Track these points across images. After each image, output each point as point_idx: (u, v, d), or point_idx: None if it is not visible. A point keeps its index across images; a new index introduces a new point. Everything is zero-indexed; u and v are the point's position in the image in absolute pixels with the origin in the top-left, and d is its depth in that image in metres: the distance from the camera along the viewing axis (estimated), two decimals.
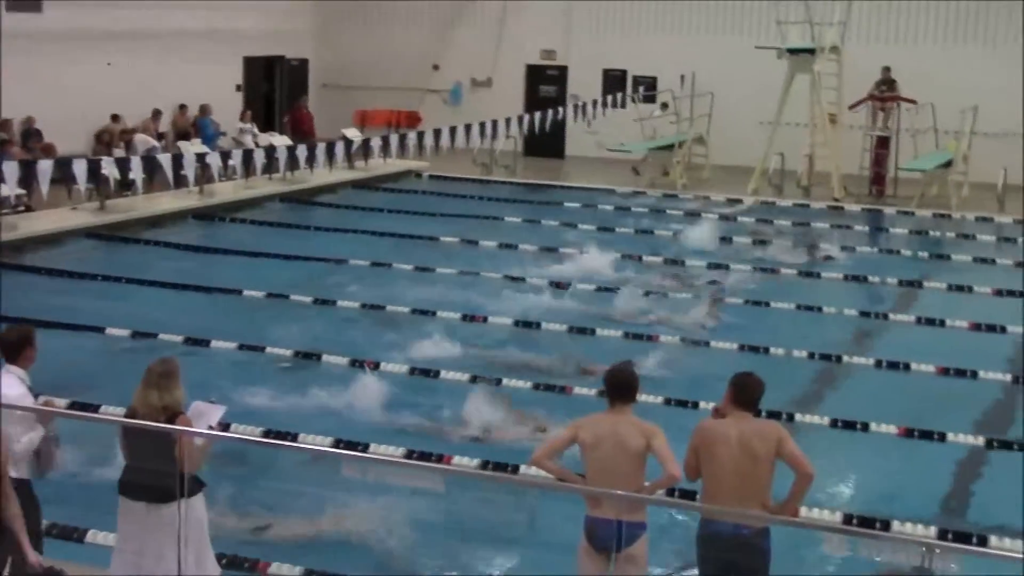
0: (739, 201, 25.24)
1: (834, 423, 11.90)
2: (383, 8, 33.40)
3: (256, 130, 27.90)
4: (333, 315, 15.97)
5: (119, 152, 22.95)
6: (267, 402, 12.17)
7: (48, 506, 7.98)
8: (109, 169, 19.50)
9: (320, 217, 22.83)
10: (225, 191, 23.65)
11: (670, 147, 27.50)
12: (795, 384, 13.08)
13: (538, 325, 15.34)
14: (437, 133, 23.06)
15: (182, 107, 27.64)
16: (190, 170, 20.67)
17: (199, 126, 27.40)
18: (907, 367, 13.90)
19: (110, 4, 25.08)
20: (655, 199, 25.48)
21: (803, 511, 8.26)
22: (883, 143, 26.72)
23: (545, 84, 32.53)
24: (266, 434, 10.80)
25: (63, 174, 18.84)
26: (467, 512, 9.29)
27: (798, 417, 11.68)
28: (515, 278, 17.82)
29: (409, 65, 33.10)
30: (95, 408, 10.87)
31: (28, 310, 14.15)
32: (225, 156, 22.16)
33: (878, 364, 14.04)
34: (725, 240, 21.04)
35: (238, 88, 30.82)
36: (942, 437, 11.65)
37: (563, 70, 32.35)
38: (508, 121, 24.47)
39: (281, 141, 24.34)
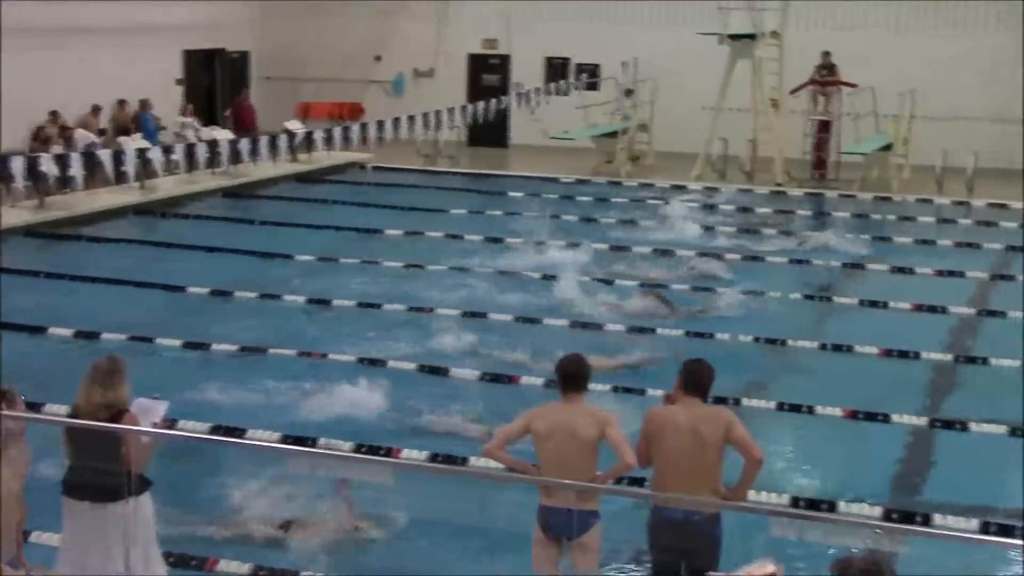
0: (683, 187, 25.33)
1: (780, 407, 11.99)
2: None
3: (198, 124, 27.66)
4: (279, 310, 15.88)
5: (58, 149, 22.67)
6: (214, 398, 12.09)
7: None
8: (47, 166, 19.23)
9: (264, 211, 22.68)
10: (167, 186, 23.45)
11: (614, 134, 27.56)
12: (741, 369, 13.15)
13: (484, 315, 15.34)
14: (380, 124, 22.92)
15: (121, 102, 27.36)
16: (131, 166, 20.43)
17: (139, 121, 27.13)
18: (851, 349, 14.03)
19: None
20: (600, 187, 25.53)
21: (751, 495, 8.32)
22: (824, 127, 26.94)
23: (488, 73, 32.53)
24: (214, 430, 10.73)
25: (0, 172, 18.57)
26: (420, 503, 9.31)
27: (744, 402, 11.75)
28: (461, 269, 17.80)
29: (351, 56, 32.97)
30: (38, 407, 10.75)
31: None
32: (167, 151, 21.92)
33: (822, 347, 14.15)
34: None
35: (178, 82, 30.54)
36: (886, 418, 11.76)
37: (505, 59, 32.35)
38: (451, 111, 24.38)
39: (223, 135, 24.15)
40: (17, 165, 18.35)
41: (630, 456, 7.31)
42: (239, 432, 10.78)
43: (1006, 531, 9.14)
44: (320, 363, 13.31)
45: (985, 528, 9.20)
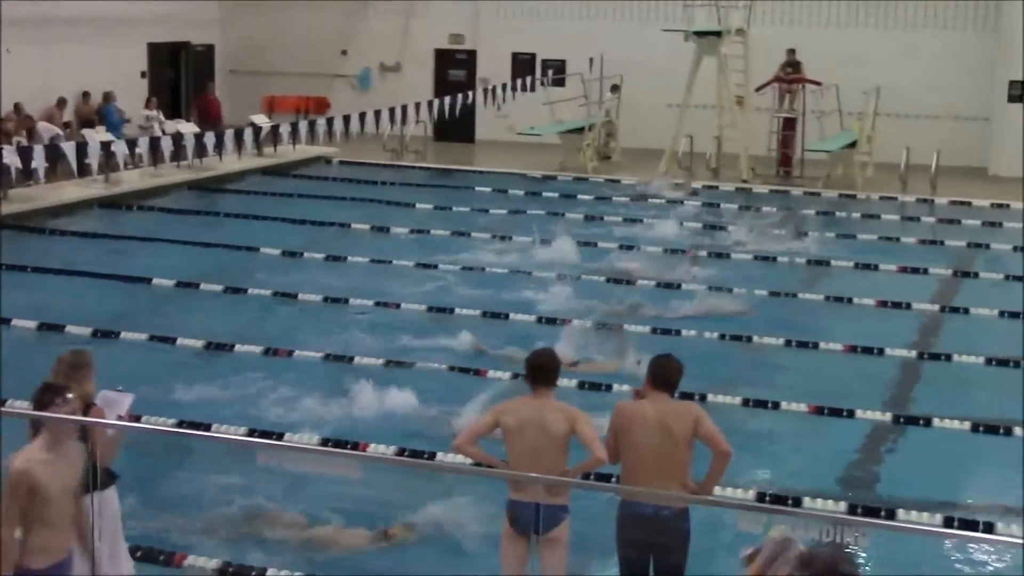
0: (649, 183, 25.37)
1: (746, 402, 12.06)
2: None
3: (162, 117, 27.52)
4: (244, 304, 15.83)
5: (20, 141, 22.51)
6: (179, 392, 12.05)
7: None
8: (10, 158, 19.11)
9: (229, 205, 22.58)
10: (131, 179, 23.31)
11: (580, 130, 27.60)
12: (707, 365, 13.20)
13: (451, 310, 15.34)
14: (346, 119, 22.92)
15: (85, 95, 27.19)
16: (95, 159, 20.35)
17: (103, 114, 26.96)
18: (815, 346, 14.11)
19: None
20: (566, 183, 25.56)
21: (717, 490, 8.36)
22: (789, 124, 27.07)
23: (454, 69, 32.49)
24: (179, 425, 10.70)
25: None
26: (387, 497, 9.32)
27: (710, 397, 11.80)
28: (427, 264, 17.79)
29: (317, 51, 32.87)
30: (2, 402, 10.67)
31: None
32: (131, 144, 21.83)
33: (787, 343, 14.22)
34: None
35: (143, 75, 30.36)
36: (851, 414, 11.85)
37: (472, 54, 32.32)
38: (418, 106, 24.40)
39: (188, 128, 24.05)
40: None
41: (601, 451, 7.33)
42: (205, 426, 10.74)
43: (969, 526, 9.21)
44: (286, 359, 13.27)
45: (948, 523, 9.27)
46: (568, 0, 30.95)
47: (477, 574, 8.32)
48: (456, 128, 29.53)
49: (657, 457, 7.37)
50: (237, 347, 13.60)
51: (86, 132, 23.20)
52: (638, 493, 7.39)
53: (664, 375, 7.61)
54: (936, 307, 15.99)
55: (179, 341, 13.77)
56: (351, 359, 13.25)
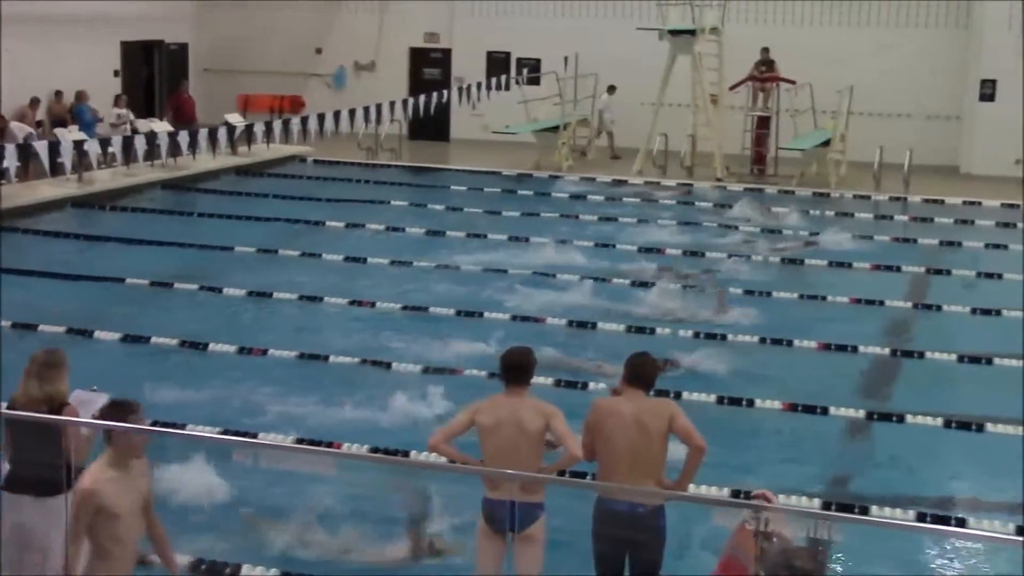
0: (624, 182, 25.45)
1: (720, 400, 12.09)
2: None
3: (132, 115, 27.39)
4: (219, 303, 15.79)
5: None
6: (153, 391, 11.99)
7: None
8: None
9: (204, 204, 22.52)
10: (105, 179, 23.21)
11: (555, 129, 27.62)
12: (682, 363, 13.25)
13: (426, 309, 15.34)
14: (321, 117, 22.89)
15: (58, 94, 27.06)
16: (67, 158, 20.26)
17: (76, 113, 26.84)
18: (790, 343, 14.16)
19: None
20: (542, 181, 25.58)
21: (691, 487, 8.39)
22: (763, 123, 27.17)
23: (429, 67, 32.49)
24: (153, 424, 10.65)
25: None
26: (364, 496, 9.32)
27: (685, 395, 11.83)
28: (402, 262, 17.78)
29: (292, 49, 32.82)
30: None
31: None
32: (104, 143, 21.73)
33: (762, 341, 14.27)
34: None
35: (116, 74, 30.24)
36: (824, 411, 11.90)
37: (447, 53, 32.31)
38: (392, 105, 24.38)
39: (162, 127, 23.97)
40: None
41: (576, 448, 7.34)
42: (179, 425, 10.72)
43: (941, 522, 9.27)
44: (260, 358, 13.25)
45: (922, 519, 9.33)
46: None
47: None
48: (431, 127, 29.54)
49: (633, 453, 7.39)
50: (212, 346, 13.57)
51: (59, 131, 23.10)
52: (614, 490, 7.41)
53: (639, 372, 7.64)
54: (909, 304, 16.07)
55: (153, 340, 13.72)
56: (326, 358, 13.23)
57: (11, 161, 19.27)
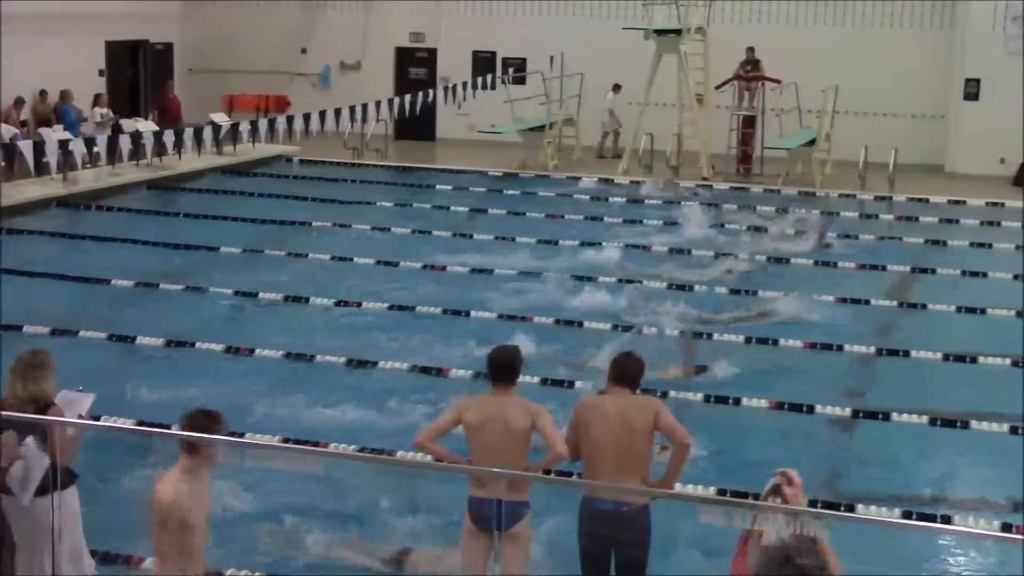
0: (610, 181, 25.47)
1: (707, 398, 12.12)
2: None
3: (112, 114, 27.30)
4: (205, 303, 15.77)
5: None
6: (139, 391, 11.99)
7: None
8: None
9: (189, 204, 22.47)
10: (90, 179, 23.14)
11: (541, 128, 27.63)
12: (669, 361, 13.27)
13: (412, 309, 15.33)
14: (307, 117, 22.85)
15: (43, 93, 26.98)
16: (53, 157, 20.20)
17: (61, 113, 26.76)
18: (776, 342, 14.19)
19: None
20: (527, 181, 25.59)
21: (677, 486, 8.40)
22: (749, 122, 27.21)
23: (415, 67, 32.47)
24: (140, 424, 10.63)
25: None
26: (350, 495, 9.31)
27: (672, 394, 11.84)
28: (388, 262, 17.77)
29: (277, 49, 32.76)
30: None
31: None
32: (89, 143, 21.67)
33: (748, 340, 14.30)
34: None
35: (101, 73, 30.15)
36: (811, 409, 11.93)
37: (432, 52, 32.29)
38: (378, 104, 24.35)
39: (147, 127, 23.90)
40: None
41: (562, 447, 7.36)
42: (165, 425, 10.68)
43: (927, 520, 9.30)
44: (247, 357, 13.24)
45: (907, 516, 9.36)
46: None
47: None
48: (417, 126, 29.52)
49: (618, 450, 7.41)
50: (198, 345, 13.55)
51: (43, 131, 23.03)
52: (600, 488, 7.42)
53: (622, 372, 7.68)
54: (894, 303, 16.11)
55: (139, 340, 13.70)
56: (312, 357, 13.23)
57: None
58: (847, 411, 11.96)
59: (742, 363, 13.54)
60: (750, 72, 27.44)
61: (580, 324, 14.75)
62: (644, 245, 19.21)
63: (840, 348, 13.99)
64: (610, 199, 23.60)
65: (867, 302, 16.05)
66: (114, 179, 23.36)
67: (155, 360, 13.26)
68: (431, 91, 25.96)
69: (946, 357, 13.67)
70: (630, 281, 16.86)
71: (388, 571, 8.81)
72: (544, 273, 17.17)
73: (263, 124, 22.86)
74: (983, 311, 15.58)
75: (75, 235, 19.35)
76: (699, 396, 12.14)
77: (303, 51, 33.10)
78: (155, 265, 17.27)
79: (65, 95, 26.96)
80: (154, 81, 31.60)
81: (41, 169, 20.98)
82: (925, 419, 11.70)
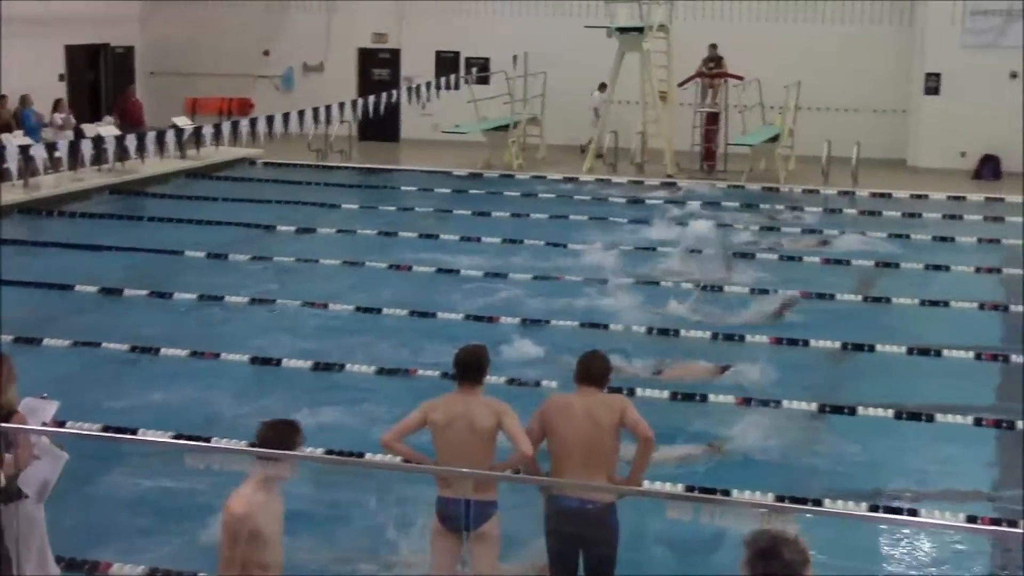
0: (575, 179, 25.50)
1: (674, 396, 12.14)
2: None
3: (73, 119, 27.10)
4: (170, 307, 15.68)
5: None
6: (104, 398, 11.92)
7: None
8: None
9: (153, 208, 22.36)
10: (51, 184, 22.97)
11: (505, 128, 27.63)
12: (636, 358, 13.29)
13: (379, 310, 15.31)
14: (270, 119, 22.76)
15: (2, 98, 26.74)
16: (13, 163, 20.04)
17: (21, 118, 26.54)
18: (742, 339, 14.25)
19: None
20: (492, 181, 25.58)
21: (645, 484, 8.42)
22: (712, 119, 27.30)
23: (378, 68, 32.42)
24: (105, 430, 10.57)
25: None
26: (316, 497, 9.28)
27: (639, 391, 11.87)
28: (354, 263, 17.74)
29: (239, 51, 32.62)
30: None
31: None
32: (51, 148, 21.51)
33: (714, 336, 14.35)
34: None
35: (61, 78, 29.95)
36: (777, 404, 11.98)
37: (396, 53, 32.25)
38: (342, 106, 24.29)
39: (109, 131, 23.75)
40: None
41: (526, 446, 7.36)
42: (131, 431, 10.62)
43: (893, 512, 9.35)
44: (213, 362, 13.19)
45: (874, 509, 9.41)
46: None
47: None
48: (381, 127, 29.49)
49: (585, 446, 7.43)
50: (163, 350, 13.48)
51: (3, 136, 22.83)
52: (567, 486, 7.43)
53: (587, 371, 7.70)
54: (859, 298, 16.18)
55: (104, 346, 13.61)
56: (279, 361, 13.18)
57: None
58: (813, 406, 12.00)
59: (709, 359, 13.59)
60: (713, 69, 27.53)
61: (547, 323, 14.75)
62: (613, 244, 19.23)
63: (806, 343, 14.06)
64: (575, 197, 23.63)
65: (832, 297, 16.13)
66: (76, 184, 23.18)
67: (120, 366, 13.18)
68: (395, 92, 25.92)
69: (910, 351, 13.76)
70: (599, 280, 16.88)
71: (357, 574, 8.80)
72: (510, 273, 17.15)
73: (226, 127, 22.75)
74: (946, 304, 15.69)
75: (37, 242, 19.19)
76: (665, 394, 12.16)
77: (266, 53, 32.99)
78: (119, 270, 17.17)
79: (25, 100, 26.73)
80: (115, 85, 31.41)
81: (1, 175, 20.82)
82: (891, 412, 11.77)
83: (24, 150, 20.51)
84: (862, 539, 8.85)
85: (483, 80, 29.49)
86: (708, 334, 14.42)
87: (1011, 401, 12.37)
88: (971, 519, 9.31)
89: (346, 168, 26.97)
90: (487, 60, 30.65)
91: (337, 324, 14.86)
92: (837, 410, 11.91)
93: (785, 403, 11.98)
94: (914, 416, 11.68)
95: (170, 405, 11.89)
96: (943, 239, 19.83)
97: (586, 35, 27.34)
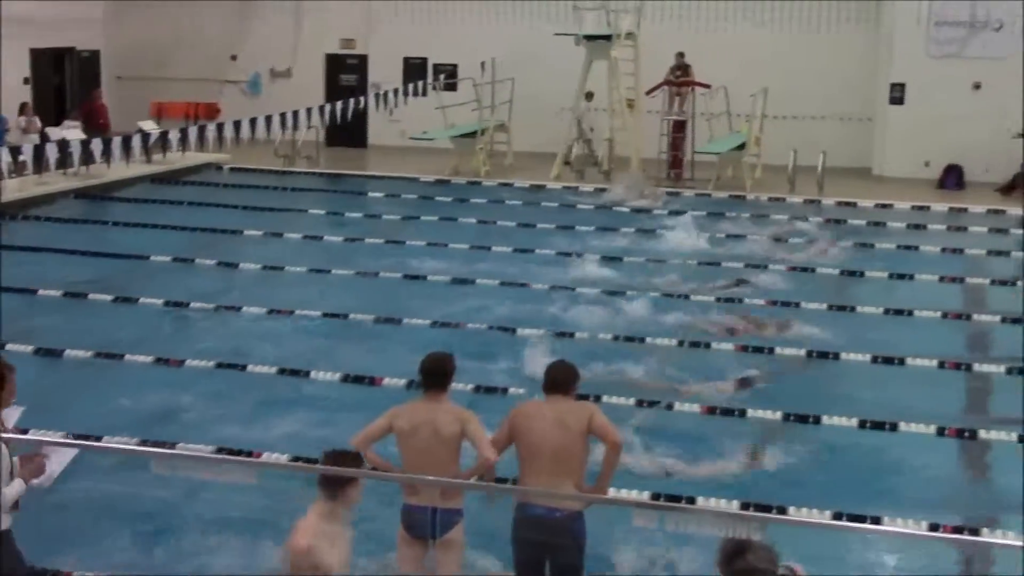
0: (542, 187, 25.54)
1: (639, 403, 12.17)
2: None
3: (39, 123, 26.91)
4: (135, 313, 15.61)
5: None
6: (69, 405, 11.85)
7: None
8: None
9: (118, 213, 22.25)
10: (15, 188, 22.80)
11: (473, 134, 27.64)
12: (601, 366, 13.31)
13: (345, 316, 15.28)
14: (237, 125, 22.62)
15: None
16: None
17: None
18: (707, 346, 14.30)
19: None
20: (459, 187, 25.59)
21: (611, 492, 8.45)
22: (679, 127, 27.38)
23: (346, 73, 32.36)
24: (68, 437, 10.50)
25: None
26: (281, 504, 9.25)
27: (605, 398, 11.89)
28: (321, 270, 17.71)
29: (206, 56, 32.52)
30: None
31: None
32: (15, 151, 21.33)
33: (680, 344, 14.40)
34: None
35: (26, 81, 29.75)
36: (742, 413, 12.04)
37: (363, 59, 32.21)
38: (309, 111, 24.21)
39: (75, 135, 23.60)
40: None
41: (491, 452, 7.39)
42: (95, 437, 10.58)
43: (857, 521, 9.40)
44: (177, 368, 13.13)
45: (838, 518, 9.46)
46: (459, 2, 31.04)
47: None
48: (348, 133, 29.44)
49: (554, 451, 7.47)
50: (127, 357, 13.41)
51: None
52: (534, 494, 7.45)
53: (556, 379, 7.75)
54: (824, 306, 16.26)
55: (67, 352, 13.53)
56: (244, 367, 13.14)
57: None
58: (778, 415, 12.05)
59: (674, 367, 13.64)
60: (680, 77, 27.62)
61: (513, 330, 14.76)
62: (578, 252, 19.27)
63: (771, 351, 14.13)
64: (542, 204, 23.66)
65: (798, 305, 16.21)
66: (41, 188, 23.05)
67: (84, 372, 13.10)
68: (362, 98, 25.85)
69: (875, 359, 13.85)
70: (563, 287, 16.91)
71: None
72: (477, 279, 17.15)
73: (193, 132, 22.59)
74: (910, 313, 15.79)
75: (1, 246, 19.04)
76: (631, 401, 12.18)
77: (233, 58, 32.88)
78: (83, 275, 17.08)
79: None
80: (81, 89, 31.22)
81: None
82: (855, 422, 11.83)
83: None
84: (826, 547, 8.89)
85: (451, 86, 29.50)
86: (673, 341, 14.46)
87: (974, 410, 12.48)
88: (933, 527, 9.38)
89: (313, 174, 26.93)
90: (455, 66, 30.65)
91: (303, 330, 14.83)
92: (801, 419, 11.96)
93: (750, 412, 12.05)
94: (878, 426, 11.75)
95: (135, 411, 11.84)
96: (908, 248, 19.94)
97: (555, 42, 27.36)
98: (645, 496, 9.69)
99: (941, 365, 13.66)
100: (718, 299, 16.53)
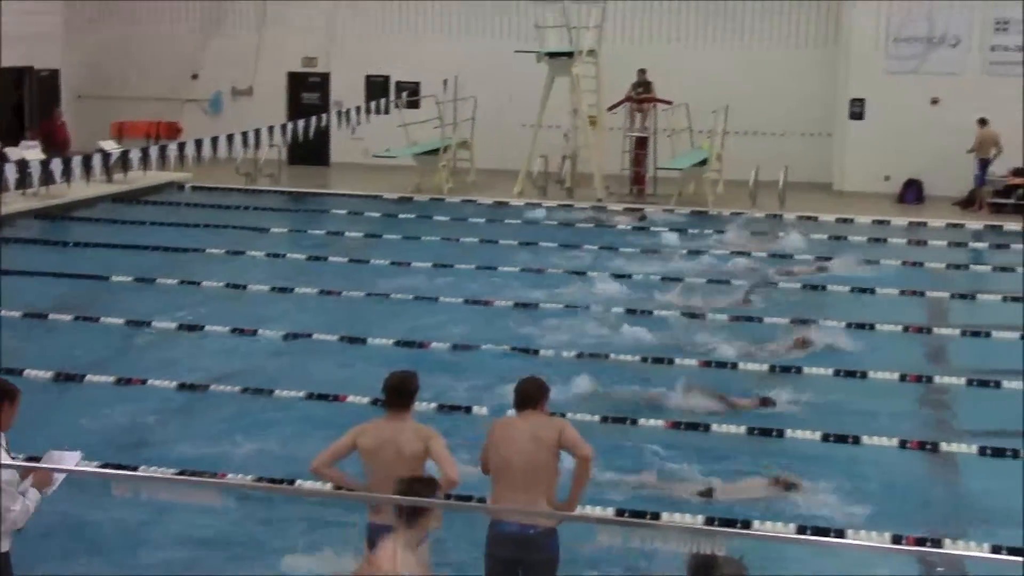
0: (505, 204, 25.57)
1: (604, 419, 12.19)
2: (138, 14, 32.60)
3: None
4: (96, 333, 15.50)
5: None
6: (28, 426, 11.70)
7: None
8: None
9: (79, 233, 22.11)
10: None
11: (436, 152, 27.65)
12: (566, 383, 13.31)
13: (308, 335, 15.23)
14: (198, 143, 22.55)
15: None
16: None
17: None
18: (671, 362, 14.34)
19: None
20: (422, 204, 25.58)
21: (580, 509, 8.45)
22: (642, 143, 27.50)
23: (308, 91, 32.32)
24: (28, 459, 10.40)
25: None
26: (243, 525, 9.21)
27: (569, 415, 11.88)
28: (284, 289, 17.65)
29: (167, 75, 32.39)
30: None
31: None
32: None
33: (644, 359, 14.43)
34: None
35: None
36: (706, 428, 12.08)
37: (325, 77, 32.18)
38: (271, 129, 24.17)
39: (34, 155, 23.45)
40: None
41: (453, 471, 7.39)
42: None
43: (821, 534, 9.45)
44: (139, 388, 13.05)
45: (802, 531, 9.51)
46: (421, 22, 31.09)
47: None
48: (311, 151, 29.38)
49: (525, 468, 7.51)
50: (88, 377, 13.31)
51: None
52: (505, 512, 7.47)
53: (525, 395, 7.81)
54: (786, 320, 16.33)
55: (27, 373, 13.40)
56: (206, 387, 13.07)
57: None
58: (742, 429, 12.10)
59: (638, 381, 13.66)
60: (641, 94, 27.76)
61: (477, 347, 14.76)
62: (539, 268, 19.29)
63: (734, 366, 14.19)
64: (506, 220, 23.69)
65: (760, 319, 16.29)
66: None
67: (44, 394, 12.98)
68: (324, 116, 25.83)
69: (837, 373, 13.93)
70: (526, 304, 16.92)
71: None
72: (440, 297, 17.15)
73: (154, 151, 22.50)
74: (872, 327, 15.89)
75: None
76: (596, 417, 12.19)
77: (194, 77, 32.77)
78: (44, 296, 16.94)
79: None
80: (40, 108, 31.02)
81: None
82: (818, 435, 11.89)
83: None
84: (790, 560, 8.92)
85: (413, 104, 29.49)
86: (637, 357, 14.50)
87: (935, 422, 12.58)
88: (896, 539, 9.43)
89: (275, 192, 26.88)
90: (417, 84, 30.65)
91: (266, 349, 14.77)
92: (765, 433, 12.01)
93: (714, 427, 12.10)
94: (841, 439, 11.81)
95: (96, 432, 11.74)
96: (868, 262, 20.07)
97: (516, 59, 27.43)
98: (610, 512, 9.70)
99: (903, 378, 13.76)
100: (683, 313, 16.58)
